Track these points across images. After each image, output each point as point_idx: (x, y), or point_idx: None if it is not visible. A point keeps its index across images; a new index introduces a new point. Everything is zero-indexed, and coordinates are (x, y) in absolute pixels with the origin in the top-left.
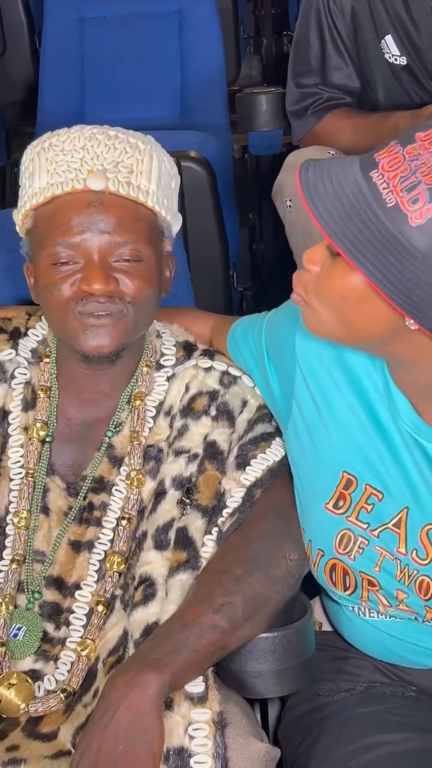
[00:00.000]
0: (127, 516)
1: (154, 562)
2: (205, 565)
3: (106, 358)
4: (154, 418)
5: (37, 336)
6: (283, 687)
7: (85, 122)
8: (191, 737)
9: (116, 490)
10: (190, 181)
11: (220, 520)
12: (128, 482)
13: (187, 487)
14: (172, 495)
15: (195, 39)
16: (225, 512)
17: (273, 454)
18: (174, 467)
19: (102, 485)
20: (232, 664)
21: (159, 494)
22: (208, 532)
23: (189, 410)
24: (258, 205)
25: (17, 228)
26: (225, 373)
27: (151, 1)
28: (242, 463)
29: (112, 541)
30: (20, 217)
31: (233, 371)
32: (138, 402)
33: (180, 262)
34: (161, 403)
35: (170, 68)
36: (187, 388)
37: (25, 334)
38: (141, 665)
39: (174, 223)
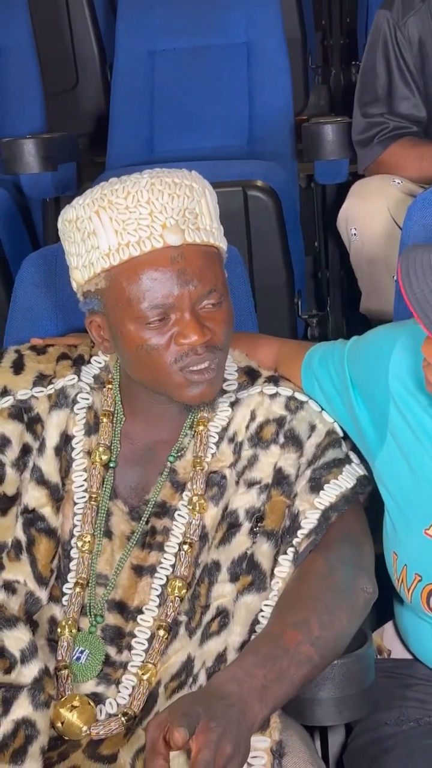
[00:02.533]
0: (189, 541)
1: (229, 595)
2: (289, 583)
3: (208, 404)
4: (217, 443)
5: (100, 363)
6: (342, 715)
7: (154, 152)
8: (249, 765)
9: (178, 515)
10: (256, 210)
11: (296, 540)
12: (190, 507)
13: (256, 516)
14: (246, 527)
15: (263, 70)
16: (300, 533)
17: (345, 480)
18: (246, 499)
19: (164, 510)
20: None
21: (232, 526)
22: (283, 552)
23: (258, 439)
24: (323, 233)
25: (76, 285)
26: (291, 398)
27: (220, 34)
28: (316, 487)
29: (173, 565)
30: (86, 276)
31: (299, 396)
32: (201, 427)
33: (244, 290)
34: (224, 429)
35: (238, 99)
36: (253, 416)
37: (88, 362)
38: (250, 689)
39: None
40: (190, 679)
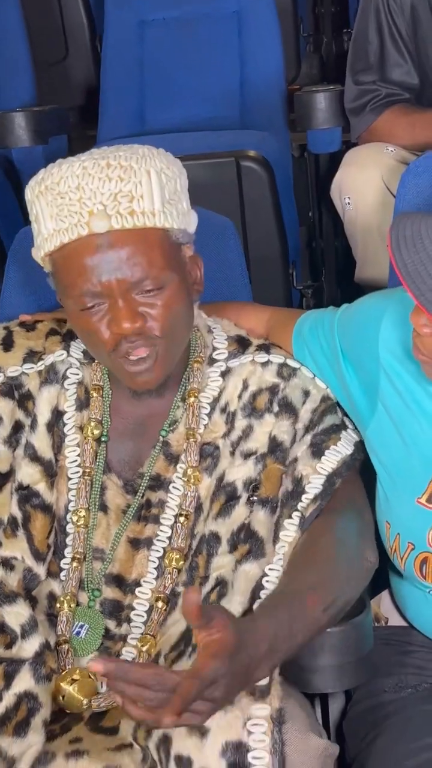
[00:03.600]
0: (184, 513)
1: (228, 565)
2: (301, 548)
3: (152, 392)
4: (209, 414)
5: None
6: (342, 682)
7: (146, 124)
8: (250, 732)
9: (173, 487)
10: (249, 181)
11: (301, 505)
12: (185, 480)
13: (252, 485)
14: (245, 498)
15: (254, 39)
16: (305, 498)
17: (344, 447)
18: (243, 470)
19: (159, 483)
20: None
21: (230, 498)
22: (287, 516)
23: (252, 409)
24: (317, 203)
25: (40, 263)
26: (283, 365)
27: (210, 3)
28: (317, 453)
29: (170, 537)
30: (39, 257)
31: (291, 363)
32: (192, 399)
33: (238, 262)
34: (216, 399)
35: (229, 69)
36: (245, 385)
37: (73, 337)
38: (271, 652)
39: (190, 223)
40: (189, 649)
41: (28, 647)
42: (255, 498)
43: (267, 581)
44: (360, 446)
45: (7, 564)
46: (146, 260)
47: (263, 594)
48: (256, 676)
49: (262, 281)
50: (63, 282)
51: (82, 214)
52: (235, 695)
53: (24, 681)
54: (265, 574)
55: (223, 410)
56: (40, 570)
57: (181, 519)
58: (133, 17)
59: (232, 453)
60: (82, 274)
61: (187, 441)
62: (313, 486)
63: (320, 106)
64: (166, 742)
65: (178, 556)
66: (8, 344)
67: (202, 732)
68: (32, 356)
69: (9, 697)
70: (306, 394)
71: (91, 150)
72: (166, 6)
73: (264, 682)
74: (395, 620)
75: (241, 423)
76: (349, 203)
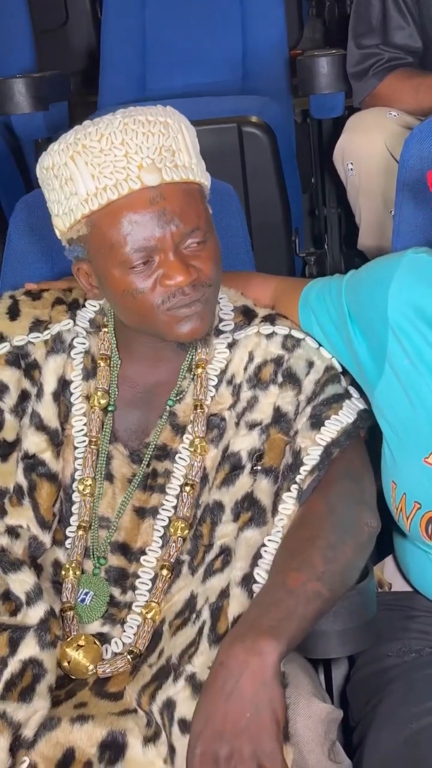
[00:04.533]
0: (190, 483)
1: (231, 534)
2: (290, 529)
3: (200, 340)
4: (217, 386)
5: (95, 306)
6: (345, 648)
7: (147, 90)
8: None
9: (179, 457)
10: (251, 147)
11: (299, 477)
12: (191, 450)
13: (256, 455)
14: (249, 468)
15: (256, 3)
16: (303, 470)
17: (345, 416)
18: (248, 440)
19: (165, 453)
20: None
21: (235, 467)
22: (286, 489)
23: (257, 380)
24: (320, 170)
25: (59, 233)
26: (288, 336)
27: None
28: (316, 423)
29: (175, 507)
30: (68, 223)
31: (296, 334)
32: (200, 370)
33: (240, 228)
34: (223, 372)
35: (231, 34)
36: (251, 357)
37: (83, 306)
38: (258, 633)
39: (208, 180)
40: (194, 616)
41: (33, 614)
42: (258, 467)
43: (265, 551)
44: (364, 414)
45: (13, 532)
46: (195, 212)
47: (261, 563)
48: (266, 655)
49: (265, 248)
50: (107, 242)
51: (131, 169)
52: (263, 723)
53: (29, 647)
54: (263, 545)
55: (230, 382)
56: (46, 538)
57: (187, 488)
58: None
59: (237, 424)
60: (134, 229)
61: (194, 412)
62: (311, 458)
63: (322, 71)
64: (170, 706)
65: (183, 525)
66: (14, 313)
67: None
68: (38, 325)
69: (14, 664)
70: (310, 365)
71: (116, 111)
72: None
73: None
74: (399, 586)
75: (246, 394)
76: (351, 169)
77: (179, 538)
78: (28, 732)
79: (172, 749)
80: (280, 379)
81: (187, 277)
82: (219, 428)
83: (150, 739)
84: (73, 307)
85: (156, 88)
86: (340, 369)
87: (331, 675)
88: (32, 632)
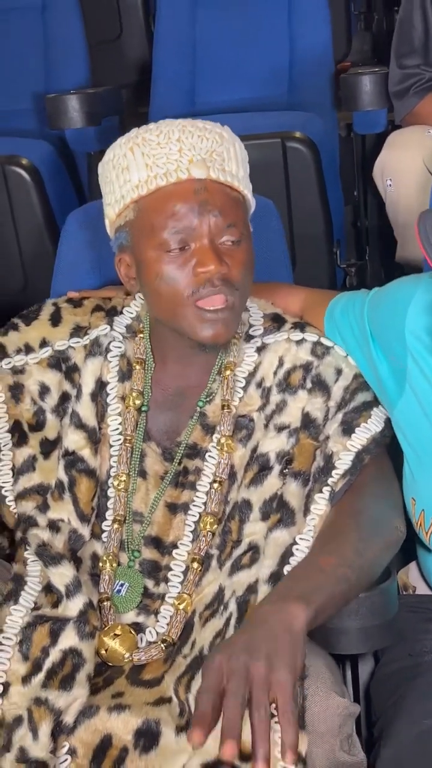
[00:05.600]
0: (218, 480)
1: (260, 532)
2: (324, 525)
3: (221, 346)
4: (245, 388)
5: (131, 313)
6: (366, 644)
7: (196, 104)
8: None
9: (209, 456)
10: (294, 161)
11: (331, 480)
12: (219, 448)
13: (286, 459)
14: (277, 470)
15: (304, 19)
16: (336, 473)
17: (374, 424)
18: (276, 443)
19: (195, 451)
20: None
21: (263, 468)
22: (318, 490)
23: (286, 385)
24: (362, 183)
25: (108, 223)
26: (317, 344)
27: None
28: (348, 430)
29: (205, 503)
30: (117, 210)
31: (325, 341)
32: (228, 372)
33: (279, 243)
34: (252, 374)
35: (278, 48)
36: (281, 362)
37: (121, 312)
38: (287, 598)
39: (252, 206)
40: (221, 607)
41: (73, 606)
42: (288, 471)
43: (297, 549)
44: (389, 423)
45: (54, 526)
46: (234, 212)
47: (292, 561)
48: (291, 614)
49: (307, 259)
50: (149, 225)
51: (182, 161)
52: (277, 640)
53: (69, 638)
54: (295, 543)
55: (259, 385)
56: (85, 531)
57: (216, 485)
58: None
59: (266, 426)
60: (176, 214)
61: (222, 412)
62: (343, 462)
63: (365, 89)
64: None
65: (212, 520)
66: (56, 319)
67: None
68: (78, 331)
69: (55, 653)
70: (338, 372)
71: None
72: None
73: None
74: (422, 589)
75: (275, 398)
76: (390, 185)
77: (209, 533)
78: (68, 718)
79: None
80: (309, 384)
81: (218, 267)
82: (248, 429)
83: (182, 729)
84: (111, 313)
85: (204, 101)
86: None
87: (358, 672)
88: (72, 624)
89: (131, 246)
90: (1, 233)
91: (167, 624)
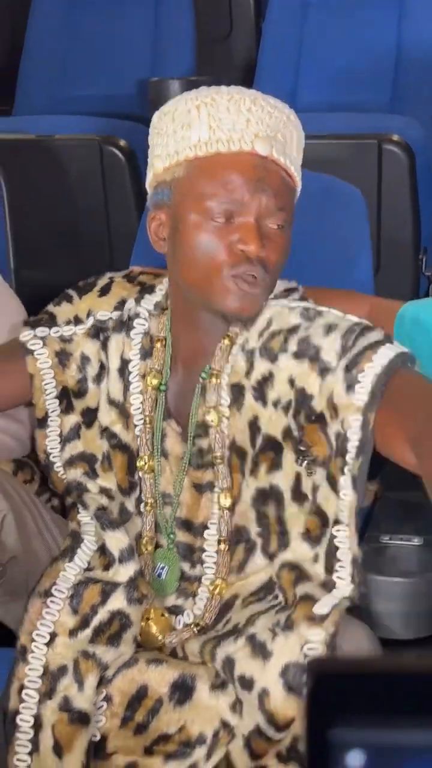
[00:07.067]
0: (219, 454)
1: (295, 516)
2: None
3: (245, 320)
4: (236, 353)
5: (162, 290)
6: (408, 630)
7: (297, 104)
8: (305, 655)
9: (210, 431)
10: (389, 164)
11: (347, 468)
12: (212, 422)
13: (303, 451)
14: (289, 449)
15: (414, 25)
16: (349, 457)
17: (381, 358)
18: (278, 421)
19: (205, 429)
20: (365, 603)
21: (276, 451)
22: (340, 472)
23: (267, 351)
24: None
25: (151, 175)
26: (309, 308)
27: None
28: (350, 385)
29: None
30: (167, 164)
31: (320, 307)
32: (226, 341)
33: (360, 233)
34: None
35: (385, 53)
36: (268, 325)
37: (154, 290)
38: None
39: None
40: (270, 596)
41: (124, 572)
42: (308, 459)
43: (340, 543)
44: (407, 356)
45: (108, 493)
46: (286, 197)
47: (339, 554)
48: None
49: (391, 264)
50: (198, 189)
51: (247, 132)
52: None
53: (118, 601)
54: (333, 536)
55: (242, 348)
56: (129, 505)
57: (218, 460)
58: None
59: (257, 398)
60: (229, 184)
61: (213, 382)
62: (353, 431)
63: None
64: (230, 664)
65: (224, 495)
66: (105, 291)
67: (265, 655)
68: (122, 305)
69: (103, 613)
70: (329, 328)
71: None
72: None
73: (324, 610)
74: None
75: (260, 365)
76: None
77: (224, 510)
78: (111, 672)
79: (240, 702)
80: (293, 348)
81: (259, 248)
82: (242, 396)
83: (217, 687)
84: (146, 290)
85: (305, 101)
86: (372, 324)
87: None
88: (122, 588)
89: (172, 205)
90: (93, 212)
91: (204, 606)
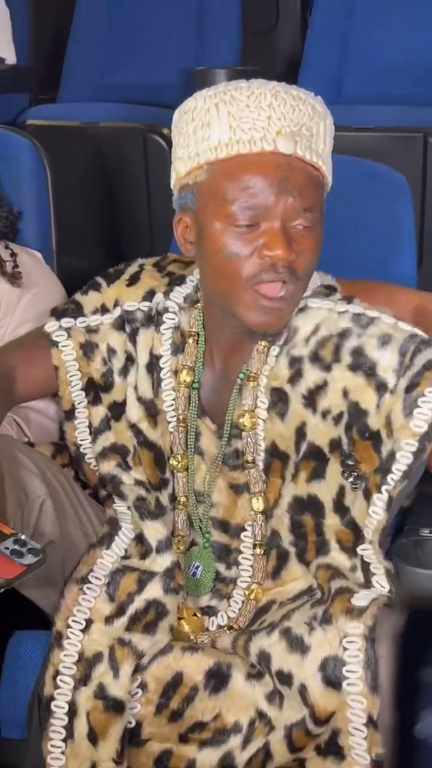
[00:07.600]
0: (252, 458)
1: (335, 527)
2: None
3: (271, 335)
4: (278, 356)
5: (193, 281)
6: None
7: (342, 95)
8: (345, 648)
9: (244, 433)
10: None
11: (384, 487)
12: (244, 423)
13: (350, 465)
14: (334, 460)
15: None
16: (391, 478)
17: None
18: (326, 432)
19: (240, 430)
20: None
21: (320, 460)
22: (376, 489)
23: (319, 358)
24: None
25: (175, 177)
26: (360, 314)
27: None
28: (408, 407)
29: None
30: (188, 167)
31: (371, 312)
32: (263, 343)
33: (405, 221)
34: (286, 342)
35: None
36: (315, 330)
37: (184, 282)
38: None
39: (329, 185)
40: (309, 604)
41: (161, 562)
42: (356, 484)
43: (367, 559)
44: None
45: (143, 485)
46: (314, 195)
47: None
48: None
49: None
50: (221, 192)
51: (269, 130)
52: None
53: (154, 590)
54: (360, 554)
55: (287, 353)
56: (164, 499)
57: (249, 464)
58: None
59: (306, 406)
60: (252, 187)
61: (251, 384)
62: (405, 455)
63: None
64: (266, 659)
65: (256, 499)
66: (134, 280)
67: (303, 649)
68: (151, 296)
69: (139, 601)
70: (384, 339)
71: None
72: None
73: (363, 603)
74: None
75: (310, 374)
76: None
77: (257, 514)
78: (146, 660)
79: (280, 695)
80: (347, 359)
81: (286, 253)
82: (283, 402)
83: (253, 676)
84: (175, 282)
85: (351, 93)
86: (426, 336)
87: None
88: (158, 577)
89: (196, 210)
90: (135, 198)
91: (238, 610)
